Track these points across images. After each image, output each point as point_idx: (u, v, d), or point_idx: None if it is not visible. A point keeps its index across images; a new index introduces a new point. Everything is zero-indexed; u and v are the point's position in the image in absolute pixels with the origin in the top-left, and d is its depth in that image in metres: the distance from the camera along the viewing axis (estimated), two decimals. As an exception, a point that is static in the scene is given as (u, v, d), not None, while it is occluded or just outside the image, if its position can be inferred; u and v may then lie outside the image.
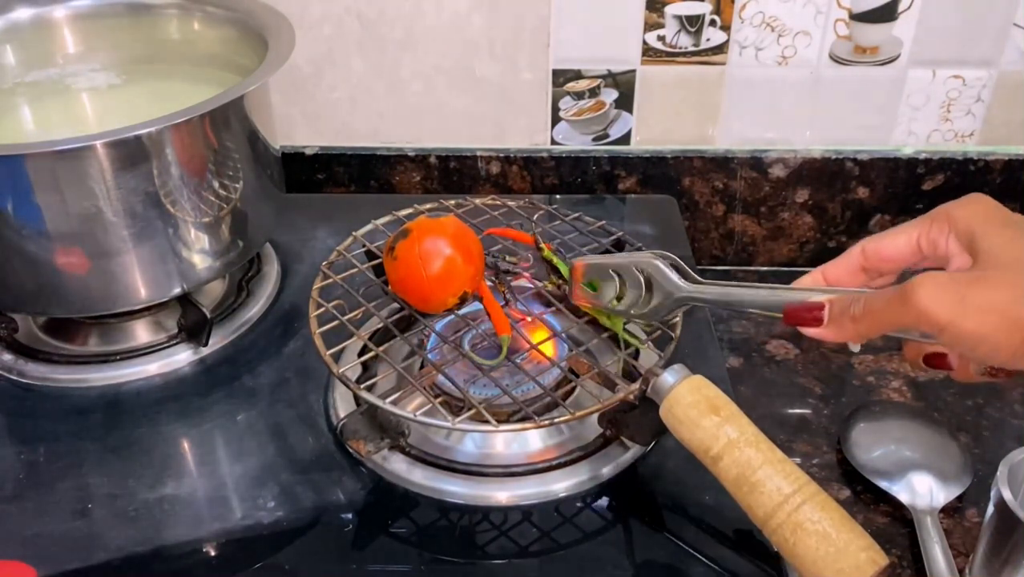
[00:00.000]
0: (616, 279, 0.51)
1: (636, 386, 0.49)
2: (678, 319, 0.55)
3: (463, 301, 0.55)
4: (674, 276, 0.49)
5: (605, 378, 0.54)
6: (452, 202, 0.66)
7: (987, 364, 0.38)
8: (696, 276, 0.48)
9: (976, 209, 0.39)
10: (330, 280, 0.59)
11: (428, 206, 0.65)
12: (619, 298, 0.51)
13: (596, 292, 0.53)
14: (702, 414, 0.45)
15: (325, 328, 0.55)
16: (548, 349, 0.55)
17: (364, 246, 0.62)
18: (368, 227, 0.63)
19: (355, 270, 0.60)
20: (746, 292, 0.45)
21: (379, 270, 0.58)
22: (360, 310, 0.56)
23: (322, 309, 0.56)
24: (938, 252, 0.40)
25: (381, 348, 0.54)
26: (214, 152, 0.60)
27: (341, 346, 0.54)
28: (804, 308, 0.41)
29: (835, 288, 0.42)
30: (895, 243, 0.42)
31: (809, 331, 0.41)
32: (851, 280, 0.43)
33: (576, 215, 0.66)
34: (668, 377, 0.47)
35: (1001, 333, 0.34)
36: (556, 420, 0.49)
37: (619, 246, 0.63)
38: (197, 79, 0.71)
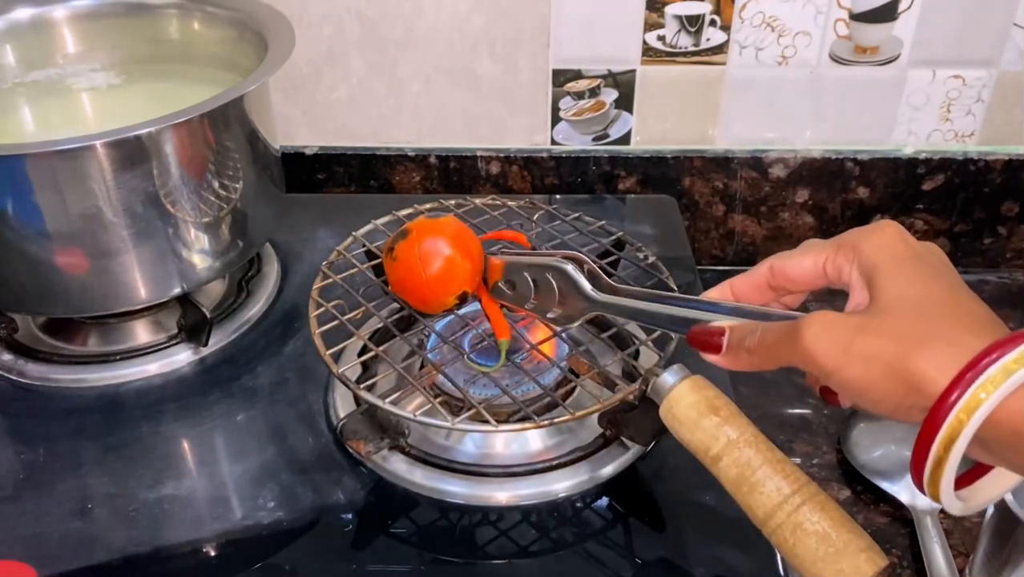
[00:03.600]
0: (531, 281, 0.51)
1: (636, 386, 0.49)
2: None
3: (463, 301, 0.55)
4: (585, 284, 0.48)
5: (605, 378, 0.54)
6: (452, 202, 0.66)
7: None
8: (613, 283, 0.47)
9: (881, 242, 0.37)
10: (330, 280, 0.59)
11: (428, 206, 0.65)
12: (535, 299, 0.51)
13: (514, 292, 0.52)
14: (702, 414, 0.45)
15: (325, 328, 0.54)
16: (548, 349, 0.55)
17: (364, 246, 0.62)
18: (368, 227, 0.63)
19: (355, 270, 0.60)
20: (656, 307, 0.44)
21: (379, 270, 0.58)
22: (360, 310, 0.56)
23: (322, 309, 0.56)
24: (842, 279, 0.38)
25: (381, 348, 0.54)
26: (214, 152, 0.60)
27: (341, 346, 0.54)
28: (706, 333, 0.40)
29: (743, 306, 0.41)
30: (801, 265, 0.40)
31: (709, 357, 0.40)
32: (758, 296, 0.42)
33: (576, 215, 0.65)
34: (668, 377, 0.47)
35: (886, 384, 0.32)
36: (556, 420, 0.49)
37: (619, 246, 0.63)
38: (197, 79, 0.71)
